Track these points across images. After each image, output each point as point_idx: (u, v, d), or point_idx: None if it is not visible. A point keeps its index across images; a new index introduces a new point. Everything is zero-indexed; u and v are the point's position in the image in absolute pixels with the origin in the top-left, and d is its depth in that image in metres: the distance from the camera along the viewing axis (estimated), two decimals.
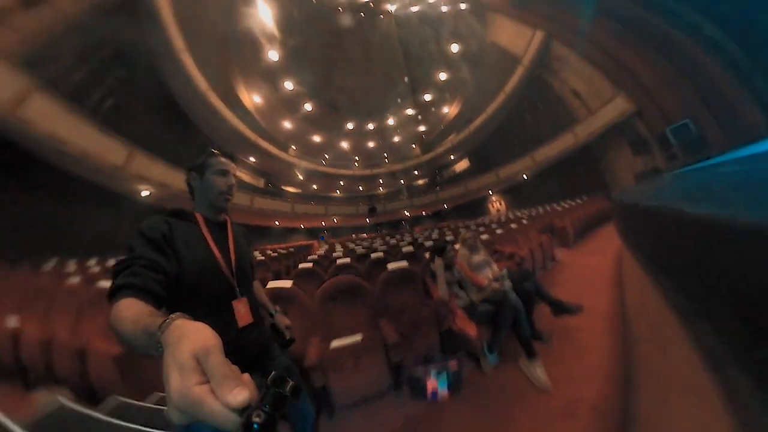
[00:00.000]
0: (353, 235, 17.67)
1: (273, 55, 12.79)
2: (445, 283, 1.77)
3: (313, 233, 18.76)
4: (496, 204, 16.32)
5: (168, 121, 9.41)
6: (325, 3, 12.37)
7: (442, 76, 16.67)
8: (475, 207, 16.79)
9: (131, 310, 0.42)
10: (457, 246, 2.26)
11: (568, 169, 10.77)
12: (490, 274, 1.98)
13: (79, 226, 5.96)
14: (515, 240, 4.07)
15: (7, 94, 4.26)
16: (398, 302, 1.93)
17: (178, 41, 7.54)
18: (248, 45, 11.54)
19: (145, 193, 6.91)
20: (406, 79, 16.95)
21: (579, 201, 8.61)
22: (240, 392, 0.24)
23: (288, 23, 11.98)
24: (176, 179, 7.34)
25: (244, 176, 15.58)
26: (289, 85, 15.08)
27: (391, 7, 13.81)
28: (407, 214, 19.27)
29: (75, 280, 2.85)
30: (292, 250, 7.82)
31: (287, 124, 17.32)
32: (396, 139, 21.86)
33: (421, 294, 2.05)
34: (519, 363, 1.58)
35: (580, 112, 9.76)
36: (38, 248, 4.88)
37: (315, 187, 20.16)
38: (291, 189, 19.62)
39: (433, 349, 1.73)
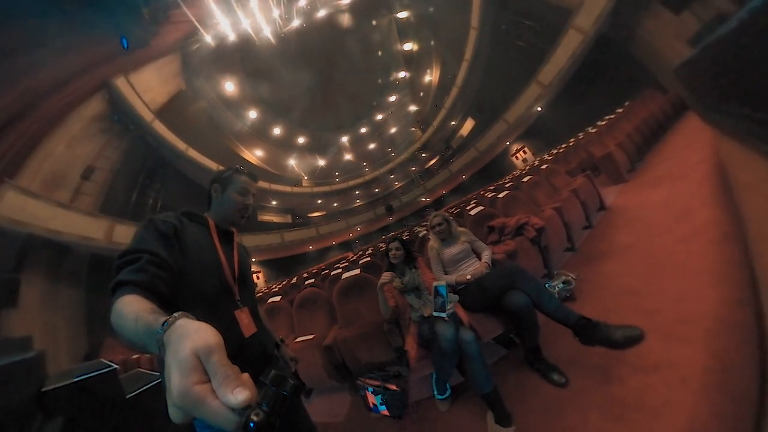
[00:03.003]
0: (383, 237, 18.23)
1: (252, 114, 14.44)
2: (384, 298, 1.38)
3: (347, 246, 20.25)
4: (520, 154, 14.00)
5: (201, 203, 12.44)
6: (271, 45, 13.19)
7: (407, 47, 15.43)
8: (497, 167, 14.74)
9: (133, 307, 0.41)
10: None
11: (590, 76, 8.01)
12: (469, 272, 1.42)
13: None
14: (532, 198, 2.69)
15: (100, 234, 6.48)
16: (352, 309, 1.91)
17: (180, 144, 9.57)
18: (228, 116, 13.08)
19: None
20: (379, 80, 16.41)
21: (620, 111, 6.14)
22: (241, 392, 0.24)
23: (250, 82, 13.14)
24: None
25: (274, 218, 17.99)
26: (276, 130, 16.33)
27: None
28: (424, 200, 18.57)
29: None
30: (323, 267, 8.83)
31: (291, 162, 19.24)
32: (393, 130, 21.29)
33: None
34: (487, 419, 1.13)
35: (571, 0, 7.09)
36: None
37: (336, 204, 21.66)
38: (317, 214, 21.64)
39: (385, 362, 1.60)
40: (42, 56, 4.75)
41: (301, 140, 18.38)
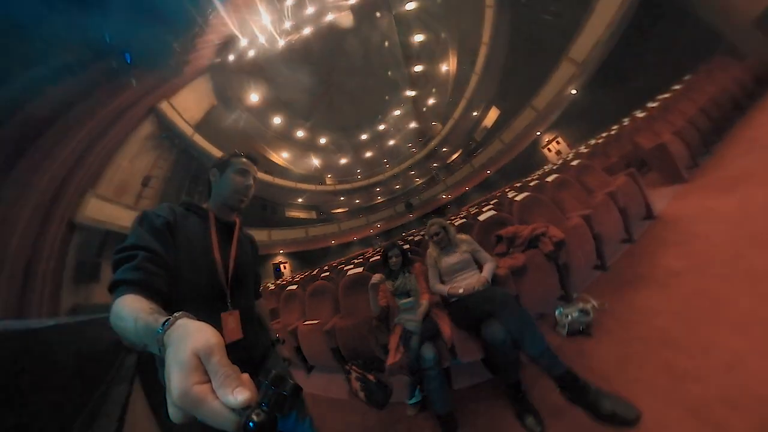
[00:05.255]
0: (403, 233, 18.17)
1: (276, 119, 15.35)
2: (375, 297, 1.39)
3: (368, 242, 20.74)
4: (553, 146, 12.15)
5: None
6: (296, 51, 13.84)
7: (419, 38, 14.31)
8: (526, 160, 13.15)
9: (132, 307, 0.41)
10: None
11: (637, 47, 6.39)
12: (463, 285, 1.30)
13: None
14: (556, 202, 2.16)
15: None
16: (352, 303, 2.06)
17: (217, 153, 10.88)
18: (255, 123, 14.11)
19: None
20: (390, 72, 15.94)
21: (678, 87, 4.80)
22: (241, 392, 0.24)
23: (272, 90, 13.83)
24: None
25: (300, 214, 19.10)
26: (300, 132, 17.10)
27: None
28: (444, 197, 17.70)
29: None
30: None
31: (315, 161, 20.21)
32: (412, 125, 20.63)
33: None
34: None
35: None
36: None
37: (357, 201, 22.19)
38: (340, 210, 22.52)
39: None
40: (105, 95, 6.05)
41: (323, 140, 19.13)
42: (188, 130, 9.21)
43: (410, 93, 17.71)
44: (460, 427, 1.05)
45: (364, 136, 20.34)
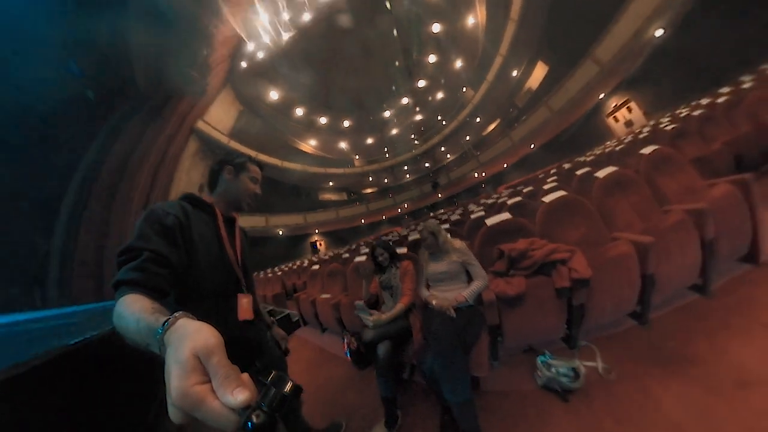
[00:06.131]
0: (430, 213, 17.80)
1: (299, 111, 15.76)
2: (368, 286, 1.55)
3: (396, 221, 21.15)
4: (622, 114, 8.43)
5: (275, 191, 15.76)
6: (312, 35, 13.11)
7: None
8: (583, 132, 9.90)
9: (134, 307, 0.41)
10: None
11: None
12: (440, 297, 1.23)
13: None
14: (604, 211, 1.45)
15: None
16: (356, 285, 2.35)
17: (252, 152, 12.63)
18: (279, 117, 14.93)
19: (280, 232, 13.10)
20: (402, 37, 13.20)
21: None
22: (240, 392, 0.23)
23: (289, 85, 13.99)
24: (290, 220, 14.42)
25: (332, 196, 20.32)
26: (322, 119, 17.26)
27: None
28: (476, 175, 15.71)
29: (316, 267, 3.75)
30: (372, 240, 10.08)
31: (343, 145, 20.11)
32: (440, 95, 17.80)
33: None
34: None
35: None
36: None
37: (386, 180, 22.07)
38: (369, 190, 23.03)
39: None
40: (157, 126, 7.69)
41: (346, 123, 18.87)
42: (224, 139, 10.73)
43: (431, 58, 14.90)
44: (400, 410, 1.24)
45: (386, 113, 18.99)
